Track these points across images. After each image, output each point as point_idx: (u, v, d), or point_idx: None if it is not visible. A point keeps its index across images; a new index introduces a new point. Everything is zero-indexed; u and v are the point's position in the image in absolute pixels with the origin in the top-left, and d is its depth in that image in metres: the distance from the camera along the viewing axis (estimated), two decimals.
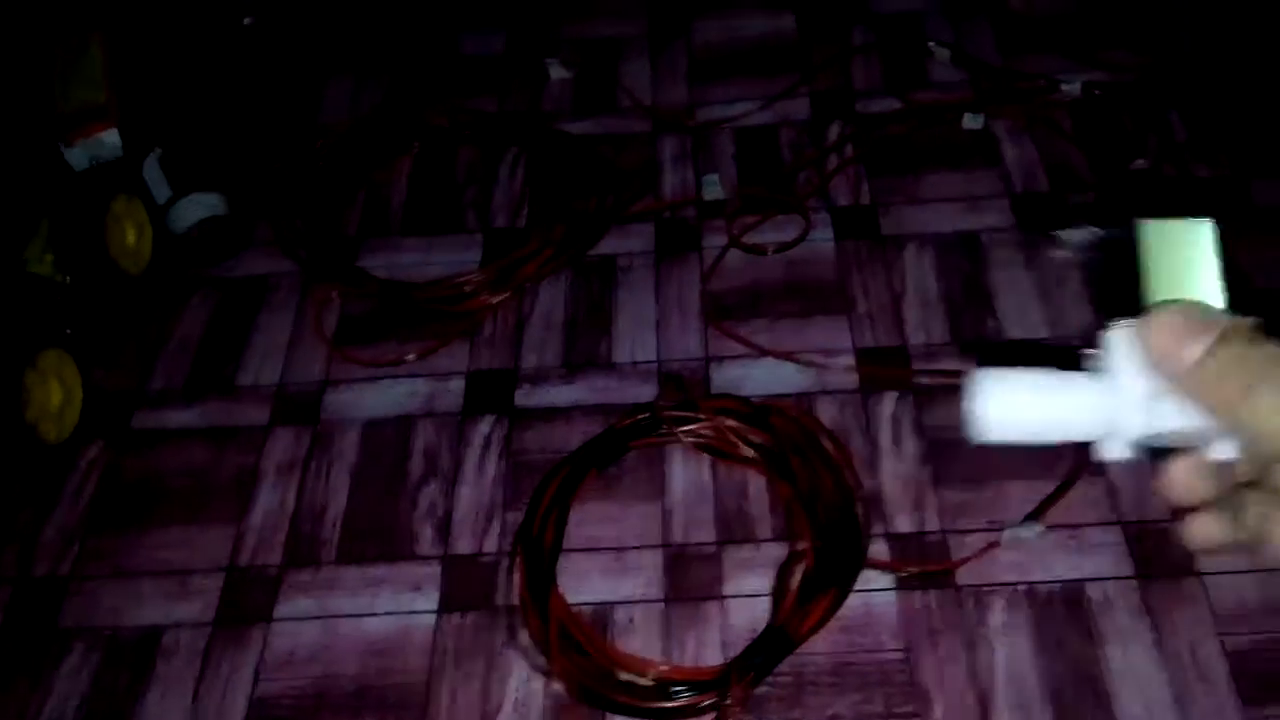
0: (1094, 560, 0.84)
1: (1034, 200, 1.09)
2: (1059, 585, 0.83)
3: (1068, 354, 0.30)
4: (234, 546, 0.91)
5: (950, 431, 0.92)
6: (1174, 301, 0.29)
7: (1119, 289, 0.30)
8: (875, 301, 1.03)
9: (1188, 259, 0.30)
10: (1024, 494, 0.88)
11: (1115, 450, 0.29)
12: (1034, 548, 0.85)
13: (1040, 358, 0.31)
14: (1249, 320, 0.28)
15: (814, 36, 1.29)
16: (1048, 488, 0.88)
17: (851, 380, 0.97)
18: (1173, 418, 0.28)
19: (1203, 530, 0.31)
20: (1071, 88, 1.15)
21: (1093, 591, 0.82)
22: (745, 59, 1.28)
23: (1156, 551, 0.84)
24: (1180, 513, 0.31)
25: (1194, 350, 0.27)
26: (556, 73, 1.28)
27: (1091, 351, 0.29)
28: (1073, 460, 0.88)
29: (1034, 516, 0.86)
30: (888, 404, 0.95)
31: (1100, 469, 0.88)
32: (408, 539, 0.90)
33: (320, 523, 0.92)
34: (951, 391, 0.95)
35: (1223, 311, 0.29)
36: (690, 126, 1.21)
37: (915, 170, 1.13)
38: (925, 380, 0.96)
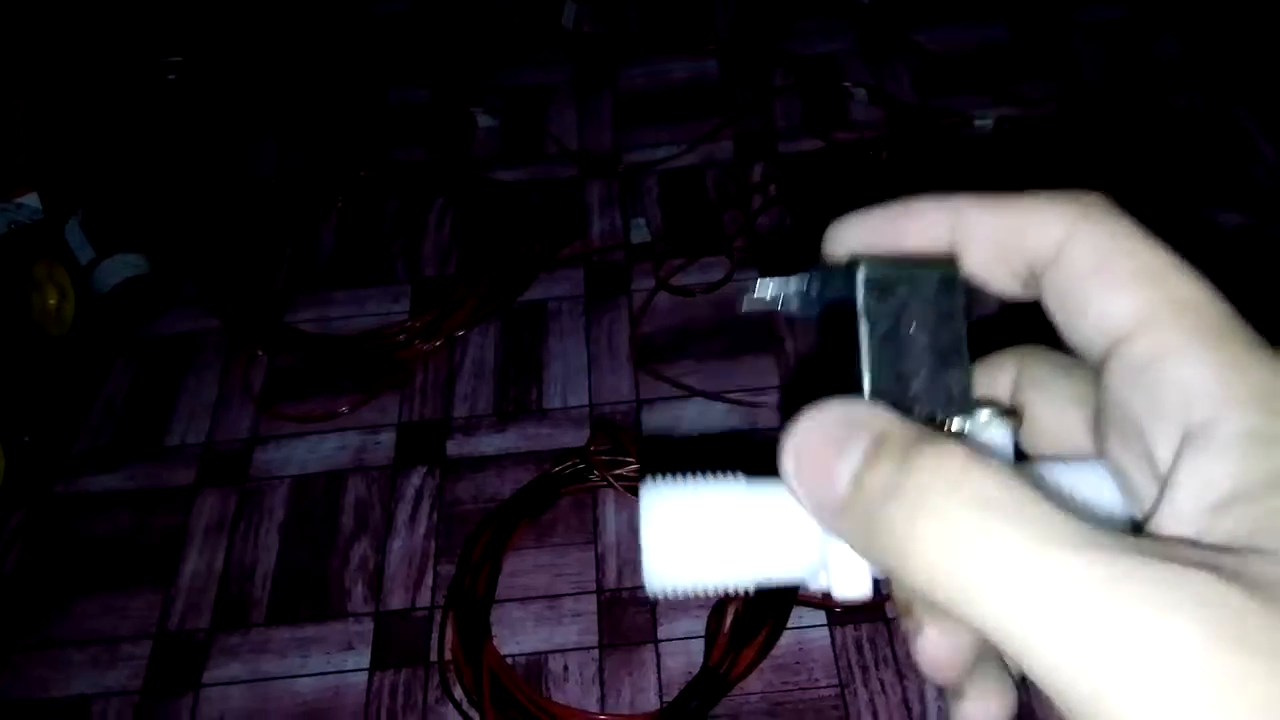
0: None
1: None
2: None
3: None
4: (162, 611, 0.90)
5: None
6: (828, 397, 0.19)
7: (835, 360, 0.21)
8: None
9: (919, 324, 0.20)
10: None
11: (850, 588, 0.20)
12: None
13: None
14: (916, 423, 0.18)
15: (736, 80, 1.32)
16: None
17: (781, 418, 0.98)
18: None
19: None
20: (985, 123, 1.18)
21: None
22: (669, 103, 1.30)
23: None
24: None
25: (841, 472, 0.18)
26: (483, 121, 1.29)
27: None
28: None
29: None
30: None
31: None
32: (339, 596, 0.89)
33: (249, 583, 0.91)
34: None
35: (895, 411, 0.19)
36: (617, 171, 1.22)
37: (838, 207, 1.15)
38: None
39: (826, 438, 0.18)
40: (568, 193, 1.21)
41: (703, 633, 0.84)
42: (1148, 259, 0.19)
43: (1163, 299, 0.18)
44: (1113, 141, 1.17)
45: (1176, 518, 0.17)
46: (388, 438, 1.00)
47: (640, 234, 1.14)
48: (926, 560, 0.16)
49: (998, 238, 0.20)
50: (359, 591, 0.90)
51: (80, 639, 0.89)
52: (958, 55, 1.30)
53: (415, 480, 0.97)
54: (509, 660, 0.84)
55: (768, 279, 0.22)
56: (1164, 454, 0.18)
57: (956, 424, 0.19)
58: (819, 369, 0.22)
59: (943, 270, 0.20)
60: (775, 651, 0.83)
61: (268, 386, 1.05)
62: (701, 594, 0.20)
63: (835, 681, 0.82)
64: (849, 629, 0.84)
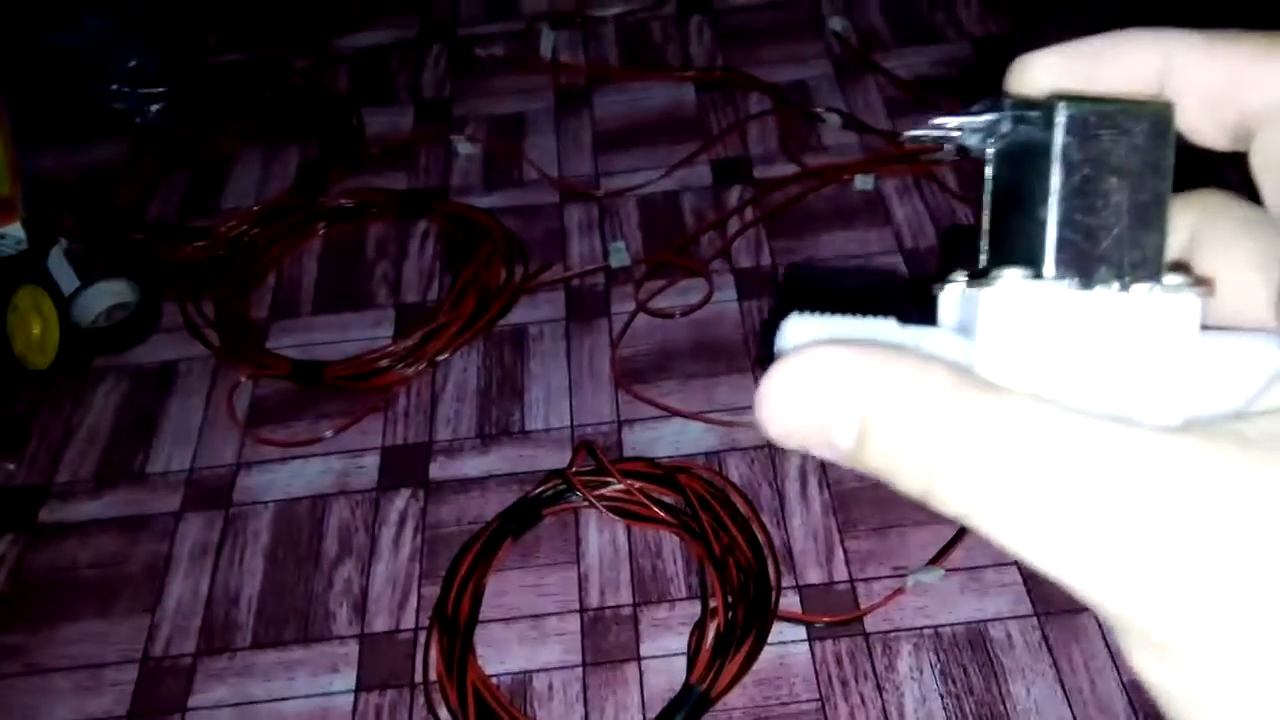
0: (995, 601, 0.87)
1: (924, 254, 1.14)
2: (963, 627, 0.86)
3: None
4: (147, 637, 0.90)
5: (855, 480, 0.95)
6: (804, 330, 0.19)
7: (1011, 209, 0.19)
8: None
9: (1119, 169, 0.18)
10: (926, 539, 0.91)
11: None
12: (937, 591, 0.88)
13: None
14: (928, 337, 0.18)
15: (712, 106, 1.34)
16: (948, 532, 0.91)
17: (759, 436, 1.00)
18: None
19: None
20: (952, 146, 1.20)
21: (995, 631, 0.85)
22: (647, 129, 1.32)
23: (1052, 589, 0.87)
24: None
25: (839, 438, 0.17)
26: (463, 149, 1.31)
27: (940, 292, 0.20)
28: None
29: (936, 561, 0.89)
30: (795, 458, 0.98)
31: None
32: (324, 619, 0.90)
33: (235, 608, 0.91)
34: None
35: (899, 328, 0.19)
36: (596, 196, 1.24)
37: (812, 231, 1.18)
38: None
39: (814, 393, 0.17)
40: (548, 218, 1.23)
41: (685, 650, 0.86)
42: None
43: None
44: None
45: None
46: (371, 461, 1.01)
47: (619, 258, 1.16)
48: (959, 508, 0.16)
49: (1210, 86, 0.18)
50: (344, 614, 0.90)
51: (65, 665, 0.89)
52: (927, 78, 1.33)
53: (399, 503, 0.98)
54: (494, 680, 0.85)
55: (949, 116, 0.19)
56: None
57: (1141, 290, 0.18)
58: (991, 217, 0.20)
59: (1153, 115, 0.18)
60: (756, 667, 0.84)
61: (252, 412, 1.06)
62: None
63: (816, 696, 0.83)
64: (829, 643, 0.85)
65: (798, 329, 0.19)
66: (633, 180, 1.25)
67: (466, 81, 1.42)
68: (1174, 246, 0.19)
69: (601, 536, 0.94)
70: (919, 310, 0.21)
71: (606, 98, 1.37)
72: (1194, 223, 0.20)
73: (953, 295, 0.20)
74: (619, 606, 0.89)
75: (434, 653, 0.86)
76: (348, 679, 0.86)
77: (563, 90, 1.39)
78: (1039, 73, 0.20)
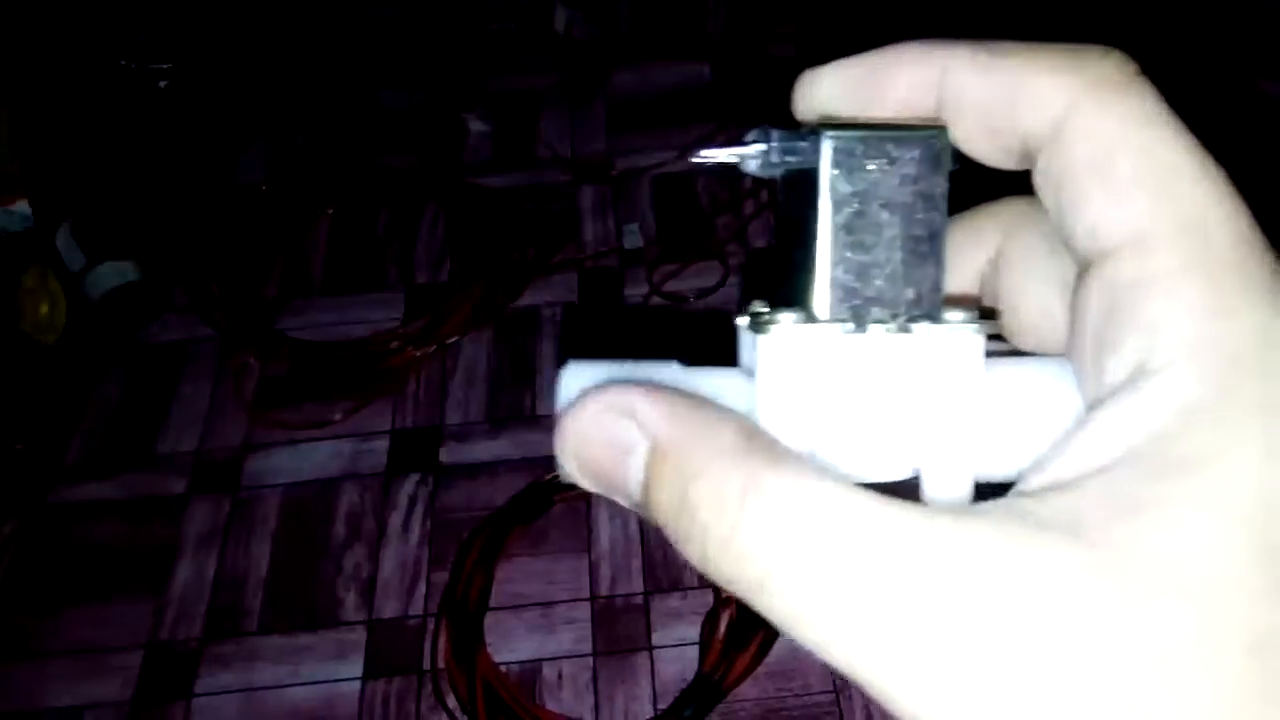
0: None
1: None
2: None
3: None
4: (153, 621, 0.89)
5: None
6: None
7: (796, 242, 0.18)
8: None
9: (890, 201, 0.17)
10: None
11: None
12: None
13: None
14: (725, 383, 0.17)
15: (727, 84, 1.32)
16: None
17: None
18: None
19: None
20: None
21: None
22: (662, 108, 1.30)
23: None
24: None
25: (628, 481, 0.17)
26: (475, 127, 1.29)
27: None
28: None
29: None
30: None
31: None
32: (331, 605, 0.89)
33: (242, 592, 0.90)
34: None
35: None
36: (610, 176, 1.22)
37: None
38: None
39: (604, 438, 0.17)
40: (561, 198, 1.21)
41: (697, 639, 0.84)
42: (1158, 158, 0.15)
43: (1165, 214, 0.15)
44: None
45: (1068, 461, 0.15)
46: (381, 445, 1.00)
47: (633, 240, 1.14)
48: (735, 587, 0.15)
49: (985, 105, 0.16)
50: (352, 600, 0.89)
51: (71, 649, 0.88)
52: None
53: (408, 488, 0.96)
54: (503, 668, 0.84)
55: (720, 148, 0.18)
56: (1110, 386, 0.15)
57: (918, 329, 0.17)
58: (782, 243, 0.19)
59: (925, 142, 0.17)
60: (769, 658, 0.82)
61: (260, 394, 1.05)
62: None
63: (830, 688, 0.81)
64: None
65: (576, 378, 0.18)
66: (647, 160, 1.23)
67: (479, 58, 1.39)
68: (977, 266, 0.19)
69: (613, 523, 0.92)
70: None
71: (621, 75, 1.35)
72: (999, 241, 0.18)
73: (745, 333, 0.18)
74: (630, 595, 0.88)
75: (443, 640, 0.85)
76: (355, 666, 0.85)
77: (577, 67, 1.37)
78: (821, 92, 0.18)
